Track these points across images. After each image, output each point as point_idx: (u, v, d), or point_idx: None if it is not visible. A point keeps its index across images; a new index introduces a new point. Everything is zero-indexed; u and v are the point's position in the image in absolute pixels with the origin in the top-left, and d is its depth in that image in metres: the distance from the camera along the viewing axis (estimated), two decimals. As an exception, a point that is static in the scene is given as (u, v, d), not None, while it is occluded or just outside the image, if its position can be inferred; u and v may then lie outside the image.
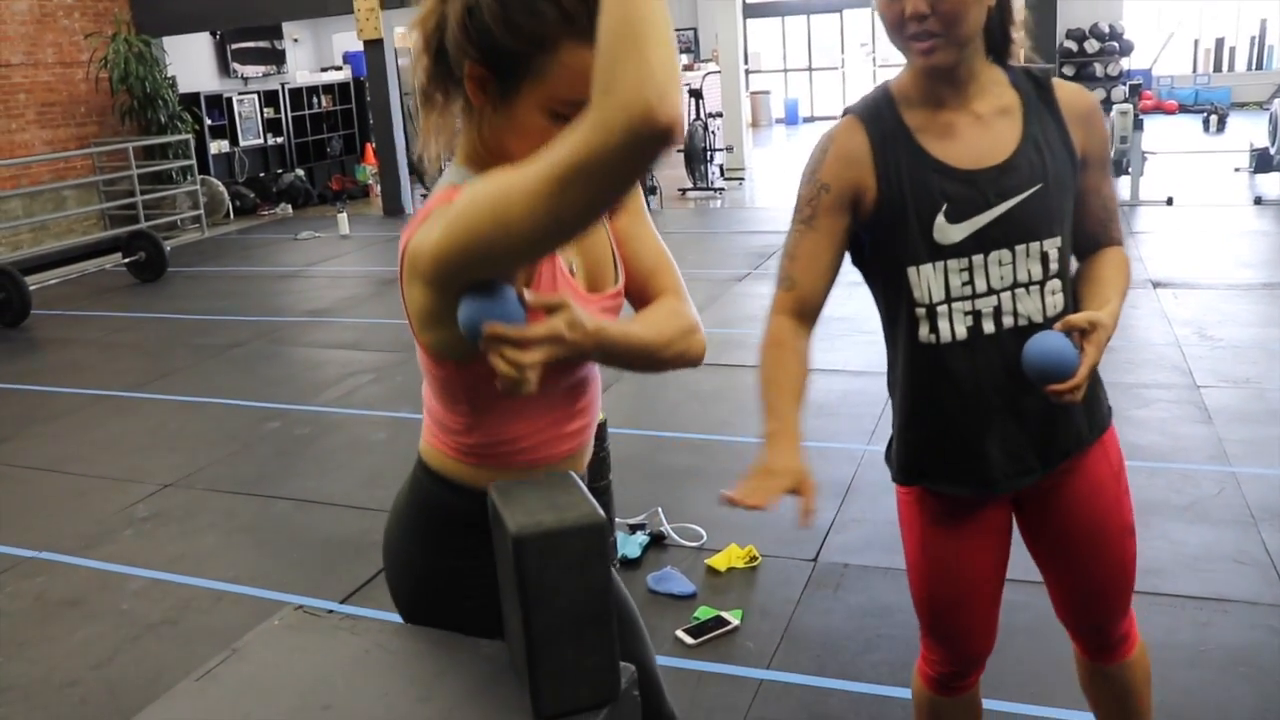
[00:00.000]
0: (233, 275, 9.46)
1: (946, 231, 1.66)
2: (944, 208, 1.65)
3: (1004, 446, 1.74)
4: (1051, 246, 1.68)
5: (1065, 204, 1.69)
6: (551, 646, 1.26)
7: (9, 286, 7.79)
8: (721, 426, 4.67)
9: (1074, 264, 1.78)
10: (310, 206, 13.69)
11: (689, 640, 3.04)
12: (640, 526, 3.74)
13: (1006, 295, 1.67)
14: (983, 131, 1.67)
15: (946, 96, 1.67)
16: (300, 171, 14.16)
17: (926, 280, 1.68)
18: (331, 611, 1.58)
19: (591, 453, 1.62)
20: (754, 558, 3.49)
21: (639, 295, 1.54)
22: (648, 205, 10.16)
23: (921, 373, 1.75)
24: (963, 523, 1.83)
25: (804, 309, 1.74)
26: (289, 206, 13.46)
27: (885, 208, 1.68)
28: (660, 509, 3.80)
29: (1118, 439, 1.86)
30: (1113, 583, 1.87)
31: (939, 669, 1.96)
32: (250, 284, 8.97)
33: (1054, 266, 1.69)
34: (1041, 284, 1.68)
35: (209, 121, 13.04)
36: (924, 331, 1.71)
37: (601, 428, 3.26)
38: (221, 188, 12.80)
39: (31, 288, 8.13)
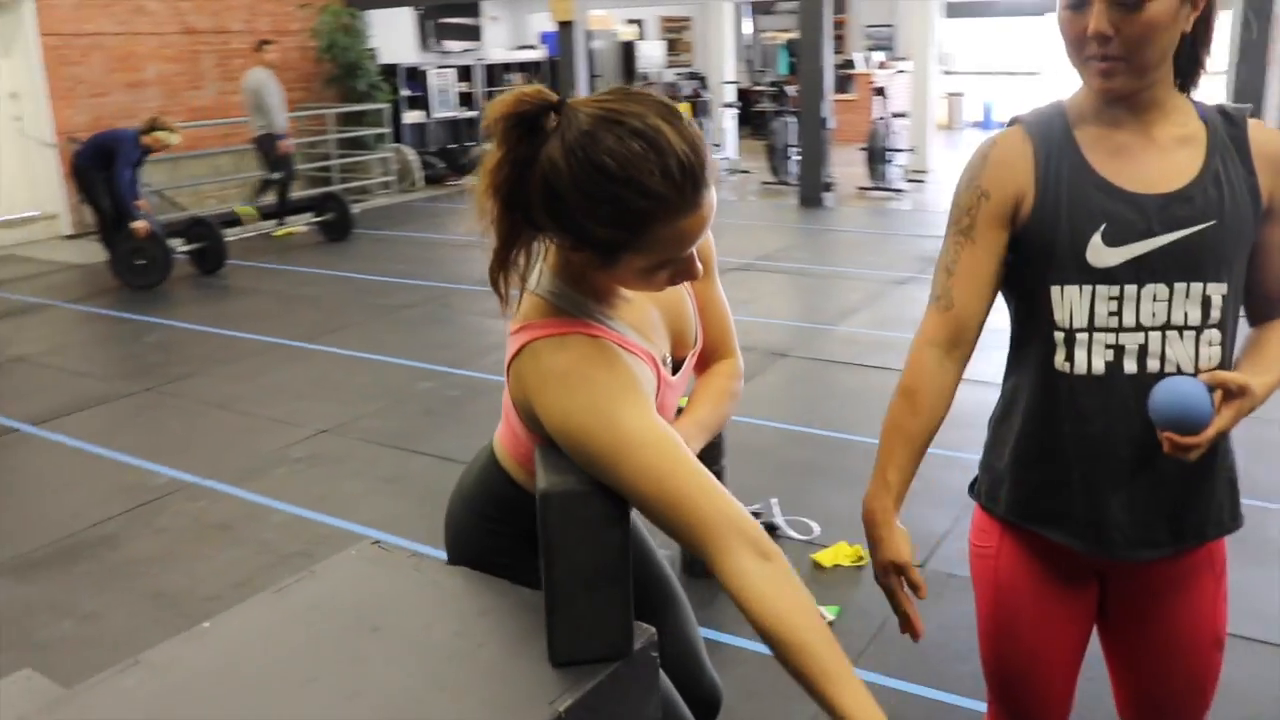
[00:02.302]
0: (414, 240, 9.93)
1: (1101, 254, 1.51)
2: (1102, 228, 1.50)
3: (1131, 508, 1.57)
4: (1216, 292, 1.51)
5: (1239, 250, 1.52)
6: (567, 598, 1.35)
7: (208, 237, 8.43)
8: (855, 426, 4.65)
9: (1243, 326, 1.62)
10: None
11: (779, 629, 3.08)
12: (756, 515, 3.78)
13: (1156, 335, 1.51)
14: (1158, 157, 1.52)
15: (1124, 119, 1.53)
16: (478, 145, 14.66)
17: (1070, 302, 1.53)
18: (408, 551, 1.72)
19: None
20: (860, 558, 3.49)
21: (705, 357, 1.68)
22: (822, 201, 10.07)
23: (1048, 404, 1.59)
24: (1045, 583, 1.69)
25: (959, 335, 1.61)
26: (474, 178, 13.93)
27: (1039, 219, 1.54)
28: (776, 500, 3.84)
29: (1225, 542, 1.68)
30: (1190, 698, 1.70)
31: None
32: (429, 250, 9.40)
33: (1215, 314, 1.51)
34: (1198, 330, 1.51)
35: (406, 92, 13.67)
36: (1059, 358, 1.55)
37: (715, 413, 3.33)
38: (413, 156, 13.39)
39: (229, 239, 8.76)
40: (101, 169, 7.66)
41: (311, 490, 4.20)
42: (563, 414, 1.33)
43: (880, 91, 11.66)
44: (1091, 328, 1.53)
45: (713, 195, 1.29)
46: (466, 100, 14.73)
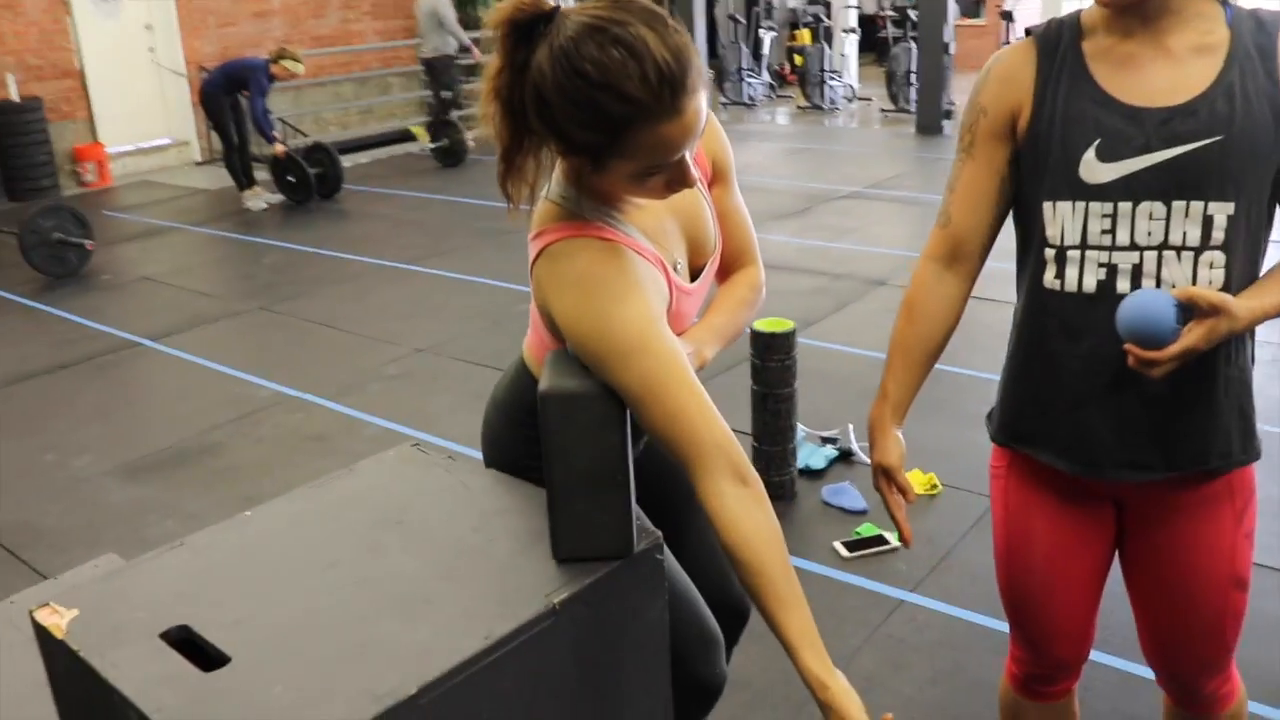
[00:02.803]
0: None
1: (1094, 169, 1.46)
2: (1096, 143, 1.46)
3: (1119, 428, 1.54)
4: (1220, 211, 1.43)
5: (1253, 168, 1.43)
6: (567, 497, 1.40)
7: (326, 162, 8.68)
8: (945, 357, 4.56)
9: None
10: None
11: (844, 552, 3.09)
12: (832, 440, 3.79)
13: (1152, 255, 1.45)
14: (1169, 68, 1.44)
15: (1135, 28, 1.46)
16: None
17: (1062, 219, 1.49)
18: (446, 452, 1.79)
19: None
20: (934, 486, 3.46)
21: (726, 266, 1.70)
22: (941, 129, 9.78)
23: (1038, 322, 1.58)
24: (1056, 506, 1.67)
25: (958, 249, 1.63)
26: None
27: (1034, 133, 1.51)
28: (851, 425, 3.82)
29: (1253, 479, 1.61)
30: (1208, 639, 1.66)
31: (1024, 668, 1.83)
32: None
33: (1218, 235, 1.44)
34: (1197, 251, 1.44)
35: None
36: (1049, 276, 1.53)
37: (788, 337, 3.32)
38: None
39: (347, 165, 9.01)
40: (229, 95, 8.00)
41: (404, 405, 4.36)
42: (574, 316, 1.36)
43: (1008, 16, 11.18)
44: (1084, 245, 1.49)
45: (699, 102, 1.28)
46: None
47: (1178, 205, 1.43)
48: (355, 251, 6.91)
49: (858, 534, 3.19)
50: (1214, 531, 1.59)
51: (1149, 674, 2.47)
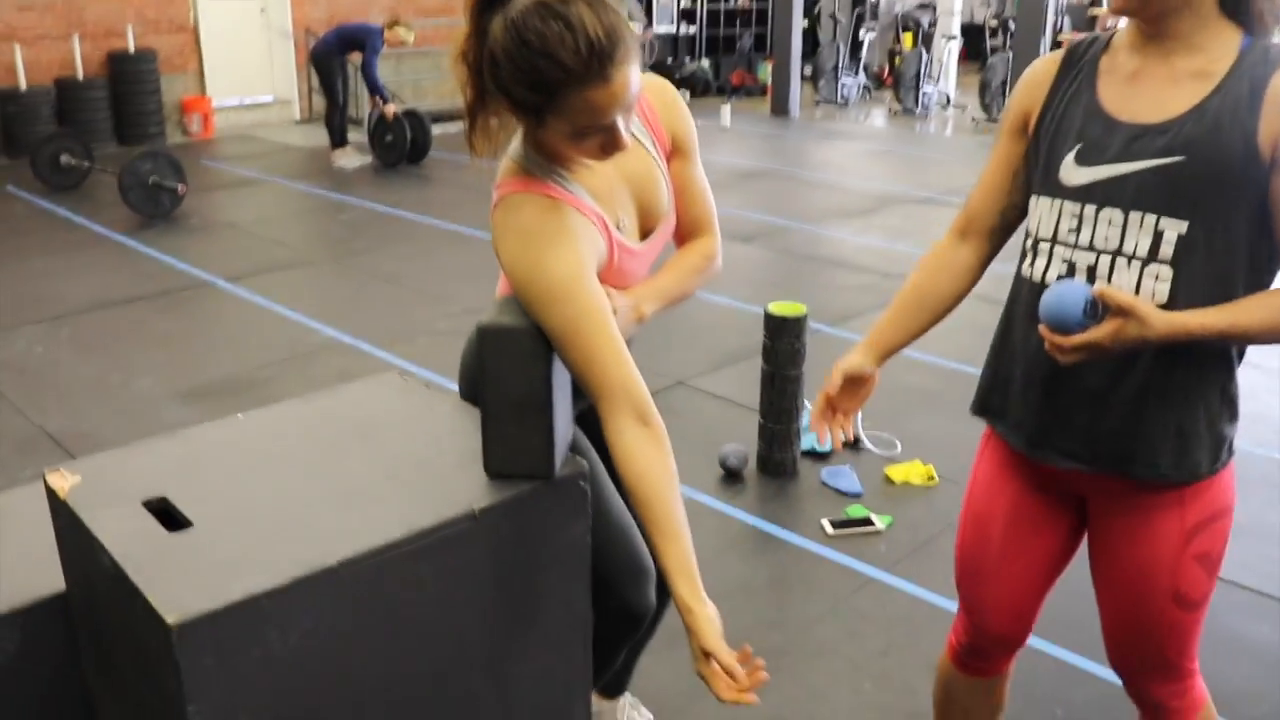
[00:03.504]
0: (608, 148, 10.23)
1: (1071, 172, 1.59)
2: (1077, 147, 1.58)
3: (1055, 413, 1.65)
4: (1171, 228, 1.49)
5: (1216, 193, 1.48)
6: (497, 419, 1.59)
7: (417, 128, 9.01)
8: (975, 357, 4.65)
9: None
10: (709, 96, 14.28)
11: (829, 529, 3.24)
12: (842, 428, 3.91)
13: (1106, 259, 1.55)
14: (1162, 88, 1.53)
15: (1147, 48, 1.55)
16: (706, 62, 14.76)
17: (1041, 212, 1.63)
18: (424, 382, 2.00)
19: None
20: (931, 477, 3.57)
21: (683, 234, 1.88)
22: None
23: (1012, 305, 1.71)
24: (1020, 486, 1.76)
25: (969, 225, 1.79)
26: (688, 93, 14.10)
27: (1037, 134, 1.65)
28: (859, 414, 3.94)
29: (1216, 503, 1.63)
30: (1146, 644, 1.71)
31: (960, 639, 1.93)
32: (618, 157, 9.68)
33: (1165, 250, 1.50)
34: (1144, 262, 1.52)
35: None
36: (1025, 263, 1.66)
37: (799, 321, 3.46)
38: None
39: (440, 133, 9.32)
40: (340, 56, 8.41)
41: (446, 357, 4.57)
42: (512, 261, 1.55)
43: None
44: (1054, 240, 1.61)
45: (627, 74, 1.44)
46: (688, 16, 14.83)
47: (1134, 216, 1.53)
48: (429, 214, 7.20)
49: (846, 514, 3.33)
50: (1153, 541, 1.63)
51: (1090, 666, 2.60)
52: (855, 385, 1.86)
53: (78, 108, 9.36)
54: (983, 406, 1.80)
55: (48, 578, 1.72)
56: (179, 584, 1.36)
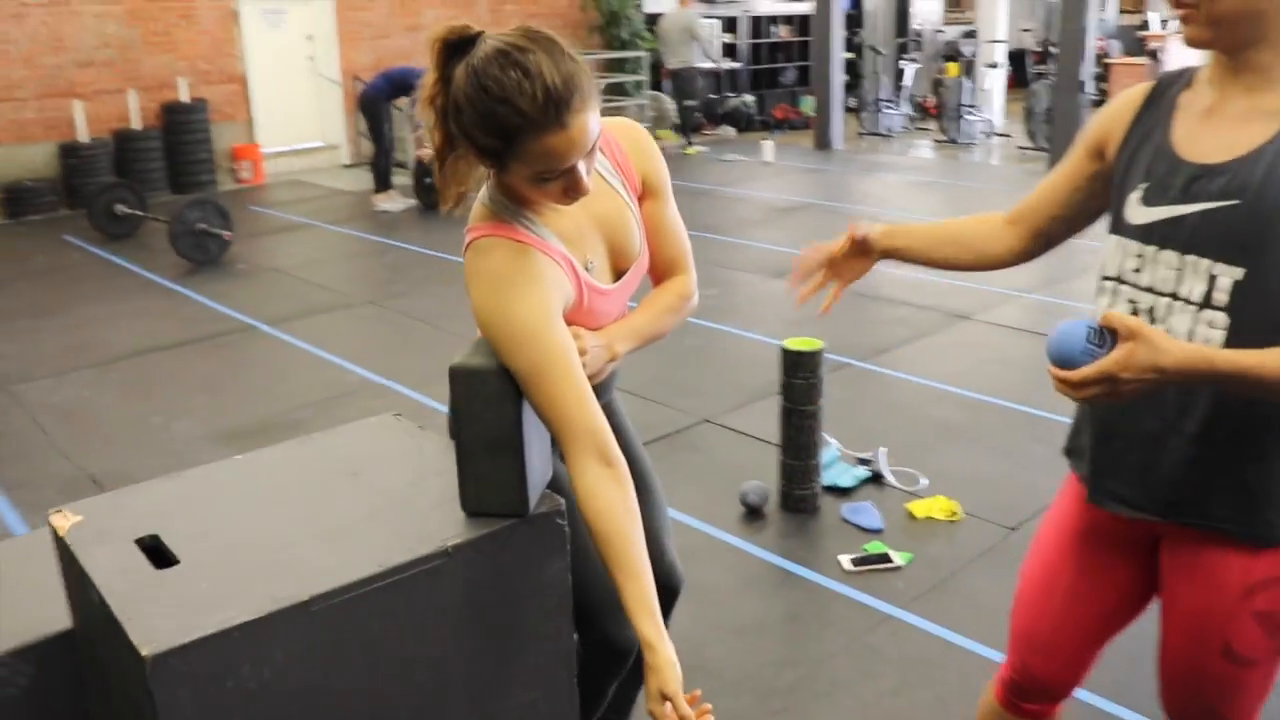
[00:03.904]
0: (650, 186, 10.32)
1: (1136, 211, 1.54)
2: (1143, 186, 1.53)
3: (1116, 459, 1.60)
4: (1226, 274, 1.42)
5: (1271, 239, 1.39)
6: (471, 458, 1.63)
7: (460, 170, 9.16)
8: (1004, 390, 4.62)
9: None
10: (752, 131, 14.34)
11: (847, 565, 3.22)
12: (865, 461, 3.90)
13: (1164, 303, 1.49)
14: (1232, 127, 1.46)
15: (1226, 82, 1.49)
16: (749, 97, 14.84)
17: (1109, 251, 1.58)
18: (415, 425, 2.05)
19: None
20: (954, 513, 3.54)
21: (657, 274, 1.93)
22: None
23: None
24: (1092, 532, 1.70)
25: (1018, 215, 1.79)
26: (731, 129, 14.20)
27: (1114, 168, 1.62)
28: (885, 450, 3.93)
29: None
30: (1193, 695, 1.65)
31: (1006, 673, 1.86)
32: (659, 195, 9.76)
33: (1220, 297, 1.43)
34: (1198, 308, 1.45)
35: (668, 42, 14.04)
36: (1098, 301, 1.61)
37: (814, 356, 3.47)
38: (669, 104, 13.79)
39: (480, 173, 9.48)
40: (388, 101, 8.63)
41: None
42: (480, 304, 1.60)
43: (1154, 55, 10.90)
44: (1120, 280, 1.56)
45: (585, 120, 1.48)
46: (730, 51, 14.94)
47: (1189, 259, 1.46)
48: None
49: (865, 550, 3.32)
50: (1211, 588, 1.56)
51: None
52: (856, 255, 1.90)
53: (134, 158, 9.68)
54: (1067, 449, 1.75)
55: (62, 614, 1.79)
56: (158, 618, 1.42)
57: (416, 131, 8.76)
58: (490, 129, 1.48)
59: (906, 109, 14.21)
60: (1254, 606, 1.54)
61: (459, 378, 1.60)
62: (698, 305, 1.96)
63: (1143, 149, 1.56)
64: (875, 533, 3.45)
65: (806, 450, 3.55)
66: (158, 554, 1.61)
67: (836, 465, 3.85)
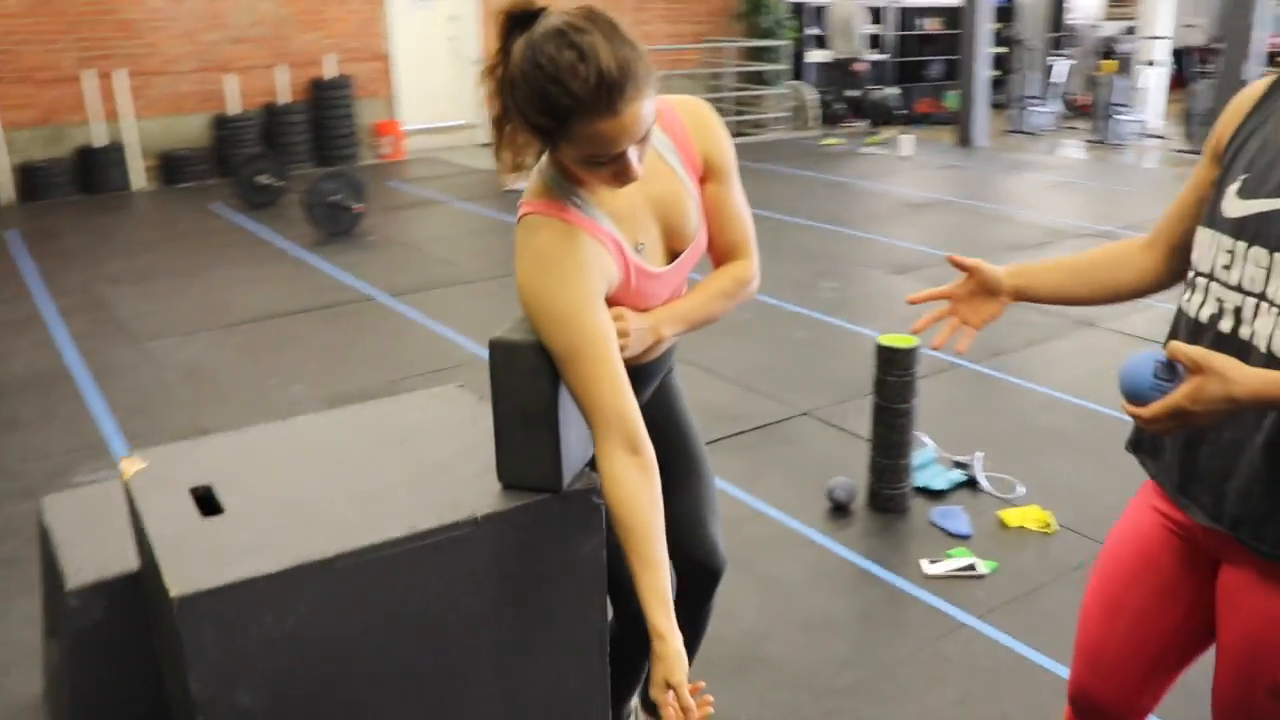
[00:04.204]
0: (783, 175, 10.22)
1: (1233, 204, 1.44)
2: (1242, 179, 1.44)
3: (1189, 458, 1.51)
4: None
5: None
6: (508, 431, 1.65)
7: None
8: (1086, 392, 4.45)
9: None
10: (894, 125, 14.04)
11: (928, 569, 3.14)
12: (963, 465, 3.79)
13: (1251, 303, 1.39)
14: None
15: None
16: (895, 90, 14.52)
17: (1203, 244, 1.49)
18: (477, 396, 2.07)
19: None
20: (1048, 525, 3.41)
21: (719, 257, 1.90)
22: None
23: (1171, 338, 1.54)
24: (1157, 544, 1.60)
25: (1156, 236, 1.69)
26: (871, 121, 13.93)
27: (1222, 161, 1.52)
28: (981, 454, 3.80)
29: None
30: None
31: (1070, 689, 1.78)
32: (793, 185, 9.65)
33: None
34: None
35: (812, 31, 13.84)
36: (1185, 295, 1.53)
37: (909, 354, 3.38)
38: (811, 94, 13.61)
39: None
40: None
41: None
42: (524, 282, 1.61)
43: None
44: (1210, 276, 1.46)
45: (639, 109, 1.47)
46: (875, 42, 14.64)
47: (1278, 258, 1.37)
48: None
49: (948, 555, 3.22)
50: (1259, 624, 1.46)
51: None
52: (983, 296, 1.74)
53: (281, 131, 10.09)
54: (1135, 443, 1.65)
55: (134, 556, 1.90)
56: (193, 563, 1.48)
57: None
58: (542, 107, 1.48)
59: (1056, 107, 13.67)
60: None
61: (497, 350, 1.62)
62: (756, 290, 1.92)
63: (1250, 141, 1.47)
64: (962, 539, 3.34)
65: (897, 449, 3.46)
66: (208, 503, 1.68)
67: (931, 467, 3.74)
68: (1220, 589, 1.54)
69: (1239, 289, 1.41)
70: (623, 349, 1.66)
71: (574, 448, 1.69)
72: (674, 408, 2.04)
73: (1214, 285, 1.46)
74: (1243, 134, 1.49)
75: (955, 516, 3.45)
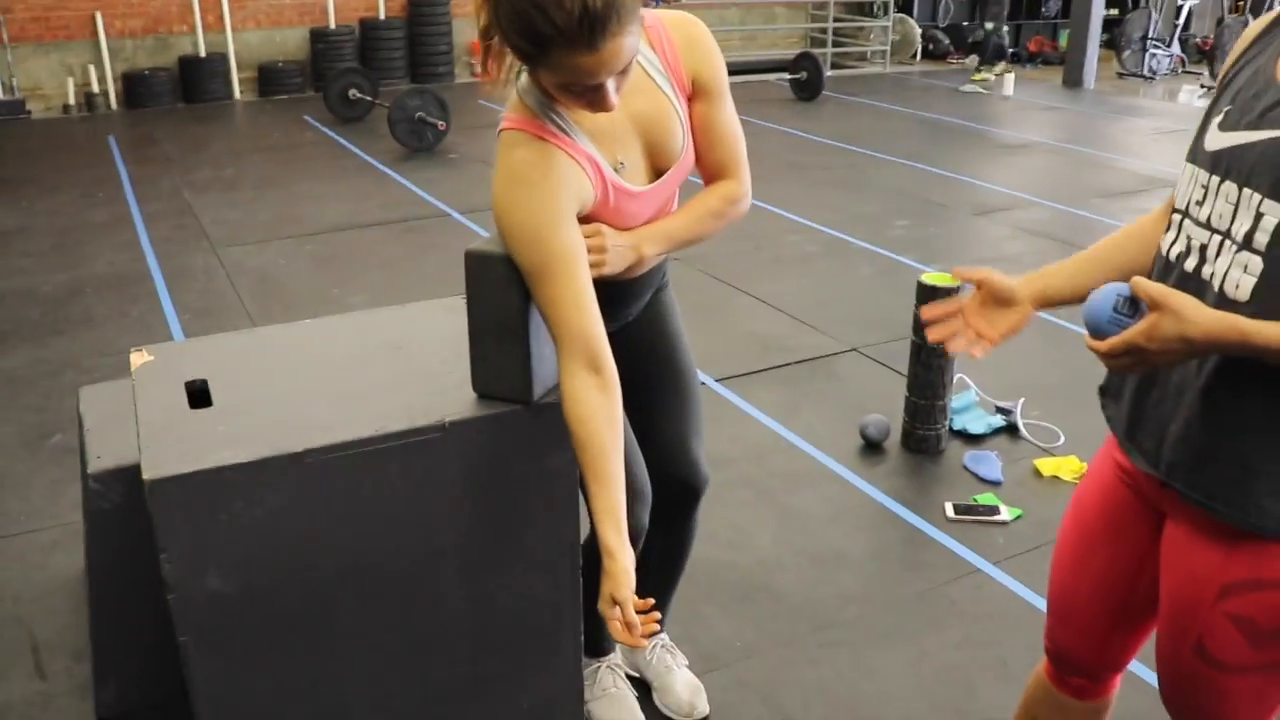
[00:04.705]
0: (878, 110, 9.99)
1: (1214, 137, 1.36)
2: (1225, 110, 1.36)
3: (1138, 401, 1.45)
4: (1273, 214, 1.25)
5: None
6: (480, 341, 1.69)
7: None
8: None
9: None
10: (1001, 61, 13.57)
11: (950, 513, 3.12)
12: (1007, 411, 3.73)
13: (1215, 241, 1.32)
14: None
15: None
16: (1005, 26, 14.01)
17: (1182, 181, 1.41)
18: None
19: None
20: (1081, 477, 3.34)
21: (708, 176, 1.88)
22: None
23: (1147, 274, 1.47)
24: (1113, 495, 1.57)
25: (1172, 202, 1.51)
26: (977, 58, 13.48)
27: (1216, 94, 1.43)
28: (1023, 400, 3.73)
29: (1274, 571, 1.34)
30: (1175, 690, 1.52)
31: (1045, 642, 1.77)
32: (887, 121, 9.44)
33: (1260, 238, 1.26)
34: (1239, 248, 1.29)
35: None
36: (1164, 233, 1.45)
37: (950, 292, 3.32)
38: (915, 29, 13.20)
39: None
40: None
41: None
42: (496, 196, 1.62)
43: None
44: (1185, 213, 1.39)
45: (620, 45, 1.45)
46: (987, -25, 14.10)
47: (1245, 194, 1.29)
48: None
49: (974, 500, 3.19)
50: (1186, 581, 1.43)
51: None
52: (996, 307, 1.60)
53: (377, 47, 10.21)
54: (1104, 389, 1.59)
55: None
56: (171, 450, 1.56)
57: None
58: (523, 31, 1.47)
59: (1176, 49, 13.02)
60: (1227, 608, 1.38)
61: (471, 261, 1.65)
62: (747, 209, 1.90)
63: (1243, 73, 1.38)
64: (992, 484, 3.30)
65: (933, 389, 3.42)
66: (200, 396, 1.77)
67: (971, 410, 3.69)
68: (1163, 543, 1.50)
69: (1207, 225, 1.35)
70: (600, 265, 1.68)
71: (548, 362, 1.72)
72: (664, 325, 2.06)
73: (1186, 222, 1.39)
74: (1239, 65, 1.40)
75: (988, 461, 3.40)
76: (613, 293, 1.89)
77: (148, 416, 1.68)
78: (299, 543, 1.62)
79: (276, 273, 5.11)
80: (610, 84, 1.52)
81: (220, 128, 8.79)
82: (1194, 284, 1.34)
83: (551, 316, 1.59)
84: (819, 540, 2.99)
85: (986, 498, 3.20)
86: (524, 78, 1.69)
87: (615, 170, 1.71)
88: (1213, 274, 1.32)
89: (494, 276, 1.64)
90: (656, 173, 1.79)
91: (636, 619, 1.50)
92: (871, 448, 3.53)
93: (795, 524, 3.06)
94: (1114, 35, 13.30)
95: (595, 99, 1.54)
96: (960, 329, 1.61)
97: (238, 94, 9.89)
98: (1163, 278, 1.41)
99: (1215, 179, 1.34)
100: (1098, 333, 1.33)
